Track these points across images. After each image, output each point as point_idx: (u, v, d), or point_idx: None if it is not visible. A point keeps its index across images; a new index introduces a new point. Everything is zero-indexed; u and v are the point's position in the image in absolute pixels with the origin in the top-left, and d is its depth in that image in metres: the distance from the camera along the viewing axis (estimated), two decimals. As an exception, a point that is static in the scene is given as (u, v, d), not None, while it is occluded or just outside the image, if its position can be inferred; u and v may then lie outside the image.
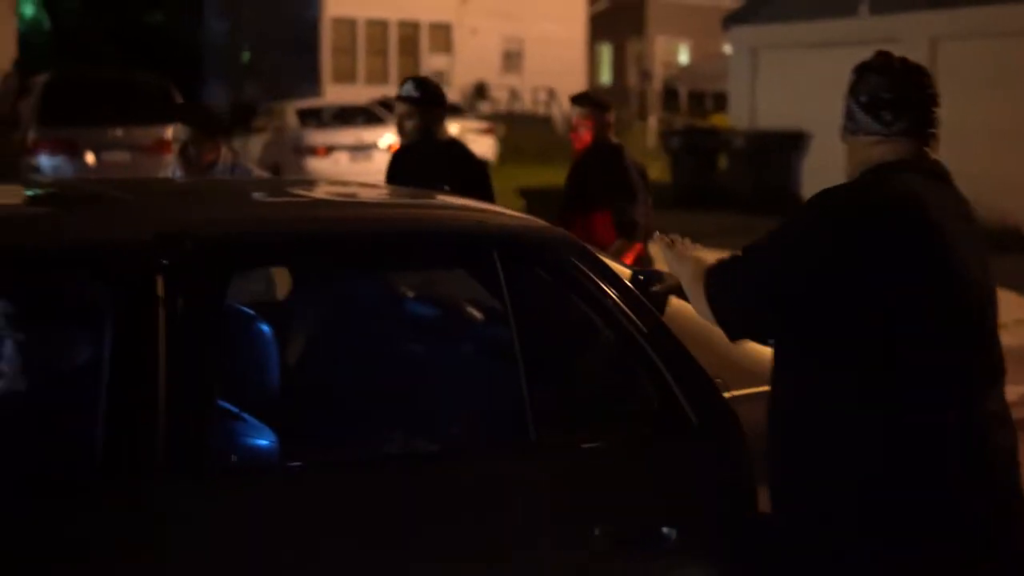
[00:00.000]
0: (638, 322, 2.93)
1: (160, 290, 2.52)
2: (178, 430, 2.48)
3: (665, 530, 2.77)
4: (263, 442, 2.94)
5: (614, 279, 3.00)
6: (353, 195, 3.78)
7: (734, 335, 2.67)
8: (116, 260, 2.58)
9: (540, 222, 3.22)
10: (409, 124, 5.27)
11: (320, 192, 3.94)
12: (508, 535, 2.69)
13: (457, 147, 5.48)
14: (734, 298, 2.61)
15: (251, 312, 3.20)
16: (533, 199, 17.49)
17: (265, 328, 3.09)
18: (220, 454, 2.66)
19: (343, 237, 2.99)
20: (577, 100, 5.82)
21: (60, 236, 2.69)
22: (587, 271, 2.95)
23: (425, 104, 5.25)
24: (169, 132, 14.60)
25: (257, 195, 3.55)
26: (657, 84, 34.36)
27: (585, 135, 5.69)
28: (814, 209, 2.57)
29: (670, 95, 34.23)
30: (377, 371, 3.64)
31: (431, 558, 2.62)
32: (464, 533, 2.67)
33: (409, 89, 5.30)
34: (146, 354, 2.49)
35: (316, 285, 3.88)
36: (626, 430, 2.96)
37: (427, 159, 5.18)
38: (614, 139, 5.80)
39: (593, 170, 5.63)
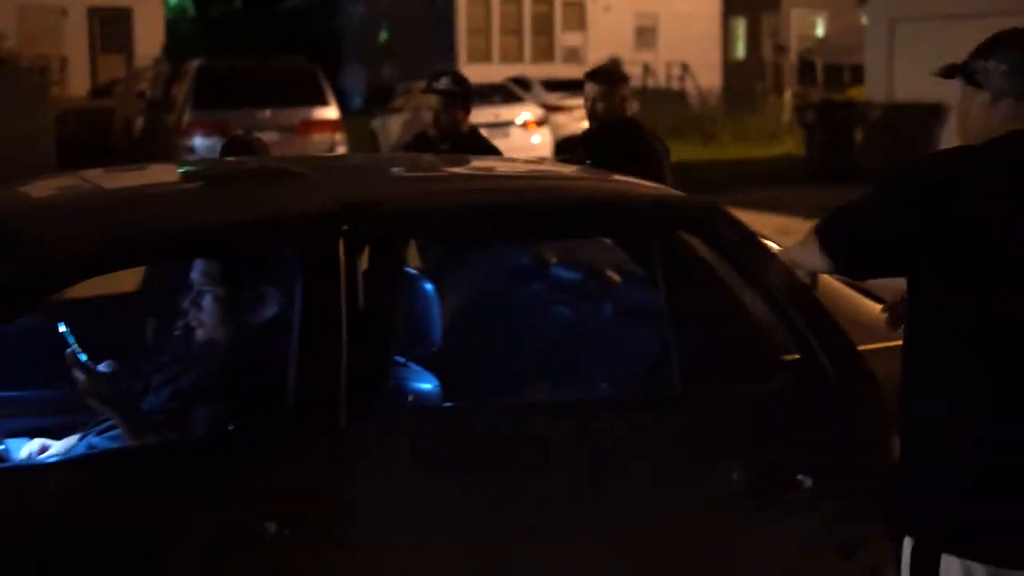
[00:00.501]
0: (778, 282, 3.11)
1: (342, 253, 2.87)
2: (360, 375, 2.83)
3: (800, 477, 3.00)
4: (427, 387, 3.28)
5: (754, 242, 3.22)
6: (502, 169, 4.09)
7: (849, 268, 2.69)
8: (305, 227, 2.94)
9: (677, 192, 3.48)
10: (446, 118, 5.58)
11: (471, 167, 4.26)
12: (649, 480, 2.96)
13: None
14: (851, 229, 2.59)
15: (417, 273, 3.54)
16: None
17: (429, 287, 3.42)
18: (397, 396, 2.99)
19: (498, 208, 3.31)
20: (591, 76, 5.69)
21: (257, 208, 3.07)
22: (728, 235, 3.17)
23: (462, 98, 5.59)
24: (314, 113, 15.23)
25: (420, 170, 3.89)
26: (792, 57, 33.98)
27: (601, 109, 5.54)
28: (943, 165, 2.52)
29: (805, 68, 33.82)
30: (527, 330, 3.94)
31: (574, 493, 2.90)
32: (604, 476, 2.93)
33: (448, 84, 5.62)
34: (331, 308, 2.83)
35: (472, 252, 4.19)
36: (768, 384, 3.17)
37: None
38: (630, 112, 5.69)
39: (610, 145, 5.37)
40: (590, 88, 5.56)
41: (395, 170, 3.88)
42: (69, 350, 3.18)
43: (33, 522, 2.57)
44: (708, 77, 31.39)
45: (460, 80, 5.71)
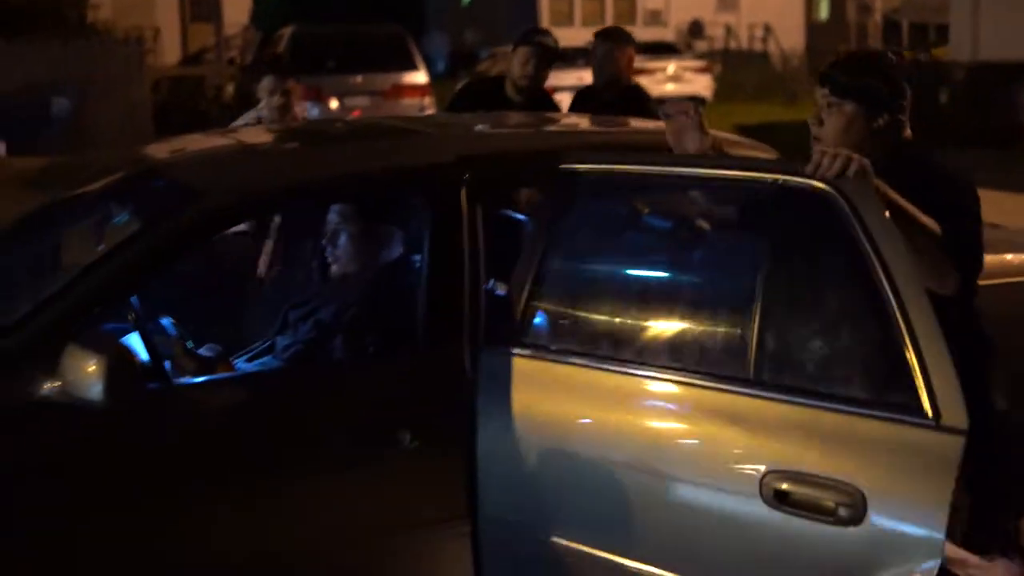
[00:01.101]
0: (889, 279, 2.70)
1: (463, 200, 3.24)
2: (479, 308, 3.19)
3: None
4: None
5: (884, 228, 2.78)
6: (598, 126, 4.39)
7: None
8: (430, 177, 3.31)
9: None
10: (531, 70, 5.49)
11: (568, 124, 4.55)
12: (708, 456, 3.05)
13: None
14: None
15: (523, 218, 3.90)
16: (751, 136, 17.75)
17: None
18: (512, 329, 3.33)
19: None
20: (598, 35, 5.84)
21: (389, 159, 3.46)
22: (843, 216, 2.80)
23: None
24: (404, 78, 15.61)
25: (527, 127, 4.23)
26: (877, 17, 33.69)
27: (607, 69, 5.69)
28: None
29: (890, 28, 33.52)
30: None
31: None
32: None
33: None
34: (454, 248, 3.20)
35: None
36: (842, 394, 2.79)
37: (610, 103, 5.45)
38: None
39: (611, 105, 5.40)
40: (597, 46, 5.76)
41: (502, 126, 4.23)
42: (173, 337, 3.57)
43: (212, 429, 2.98)
44: (791, 38, 31.27)
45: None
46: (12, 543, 2.70)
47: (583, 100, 5.83)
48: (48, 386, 2.75)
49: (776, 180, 2.93)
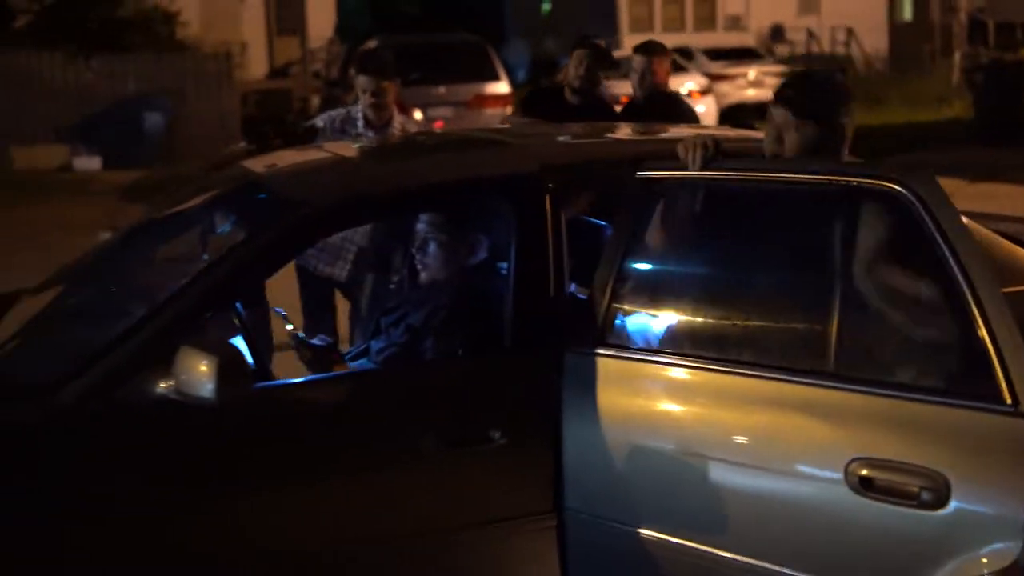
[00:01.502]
0: (966, 278, 2.82)
1: (547, 207, 3.39)
2: (563, 311, 3.34)
3: None
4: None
5: (957, 225, 2.91)
6: (676, 133, 4.47)
7: None
8: (516, 186, 3.47)
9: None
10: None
11: (640, 132, 4.61)
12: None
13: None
14: None
15: (603, 223, 4.04)
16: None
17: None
18: (595, 330, 3.47)
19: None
20: (638, 49, 6.06)
21: (477, 169, 3.63)
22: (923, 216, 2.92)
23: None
24: (487, 88, 15.80)
25: (606, 135, 4.39)
26: (962, 17, 33.24)
27: (651, 80, 5.92)
28: None
29: (976, 28, 33.05)
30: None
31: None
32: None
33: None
34: (539, 254, 3.36)
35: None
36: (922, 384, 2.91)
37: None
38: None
39: (656, 115, 5.53)
40: (636, 61, 6.00)
41: (583, 136, 4.37)
42: (288, 328, 3.85)
43: (313, 425, 3.18)
44: (874, 41, 31.02)
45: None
46: (129, 522, 2.93)
47: (628, 112, 6.14)
48: (163, 385, 2.96)
49: (851, 182, 3.07)
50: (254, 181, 3.85)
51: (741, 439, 3.08)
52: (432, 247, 3.80)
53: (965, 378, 2.85)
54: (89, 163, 18.65)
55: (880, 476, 2.84)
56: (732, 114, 21.00)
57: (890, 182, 2.96)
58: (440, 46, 17.03)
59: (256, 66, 29.46)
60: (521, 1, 38.46)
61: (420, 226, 3.85)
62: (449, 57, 16.19)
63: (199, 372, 2.87)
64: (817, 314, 3.09)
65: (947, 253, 2.84)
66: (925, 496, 2.78)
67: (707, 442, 3.12)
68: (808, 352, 3.09)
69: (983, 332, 2.77)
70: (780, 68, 23.69)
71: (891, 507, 2.83)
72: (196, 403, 2.90)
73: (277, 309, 4.10)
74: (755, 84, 22.44)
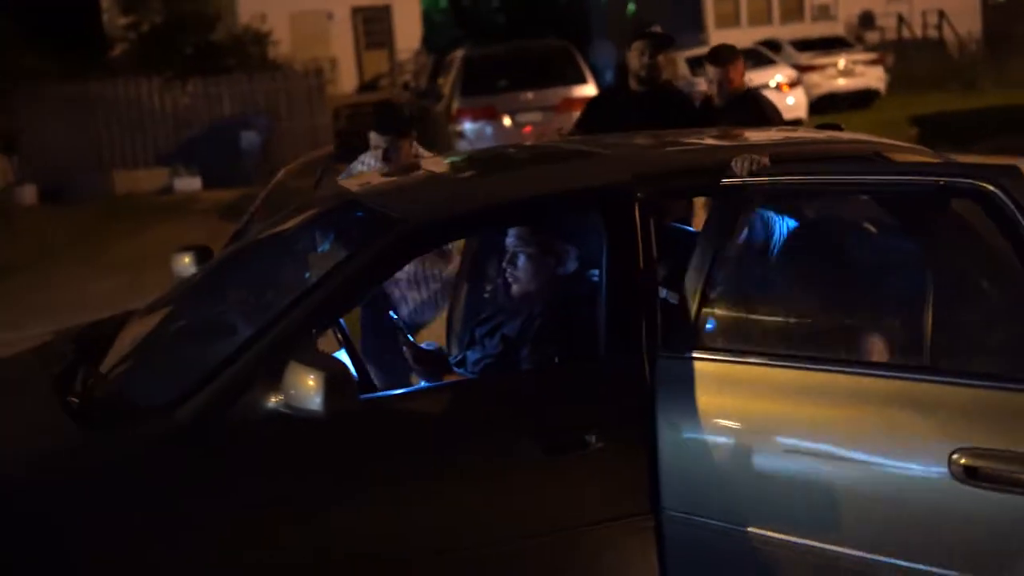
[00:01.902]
0: None
1: (637, 216, 3.45)
2: (655, 316, 3.40)
3: None
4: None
5: None
6: (766, 138, 4.45)
7: None
8: (608, 195, 3.54)
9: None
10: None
11: (720, 140, 4.53)
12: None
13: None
14: None
15: (692, 230, 4.08)
16: (927, 126, 17.40)
17: None
18: (688, 334, 3.50)
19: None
20: (709, 59, 6.14)
21: (569, 182, 3.72)
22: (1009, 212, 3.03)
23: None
24: (574, 91, 15.87)
25: (694, 144, 4.38)
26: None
27: (728, 88, 6.00)
28: None
29: (1074, 5, 32.22)
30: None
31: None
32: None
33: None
34: (629, 262, 3.42)
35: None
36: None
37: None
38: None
39: (740, 118, 5.61)
40: (710, 71, 6.09)
41: (669, 145, 4.38)
42: (401, 334, 4.01)
43: (416, 434, 3.28)
44: (967, 23, 30.42)
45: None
46: (248, 534, 3.06)
47: (707, 111, 6.14)
48: (273, 399, 3.09)
49: (940, 181, 3.12)
50: (352, 200, 3.96)
51: (839, 434, 3.11)
52: (522, 260, 3.88)
53: None
54: (189, 184, 19.11)
55: (984, 465, 2.88)
56: (823, 105, 20.79)
57: (983, 181, 3.01)
58: (526, 52, 17.15)
59: (346, 81, 29.87)
60: (606, 3, 38.41)
61: (509, 240, 3.93)
62: (535, 62, 16.29)
63: (307, 387, 2.98)
64: (912, 311, 3.14)
65: None
66: None
67: (804, 438, 3.16)
68: (904, 348, 3.15)
69: None
70: (871, 56, 23.36)
71: (997, 494, 2.87)
72: (306, 416, 3.02)
73: (391, 314, 4.22)
74: (845, 73, 22.17)
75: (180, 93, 20.35)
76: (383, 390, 3.76)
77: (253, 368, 3.14)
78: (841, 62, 22.35)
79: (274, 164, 19.35)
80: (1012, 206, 2.95)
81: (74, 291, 11.18)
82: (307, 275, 3.80)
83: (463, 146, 15.51)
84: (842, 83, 22.03)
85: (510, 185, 3.88)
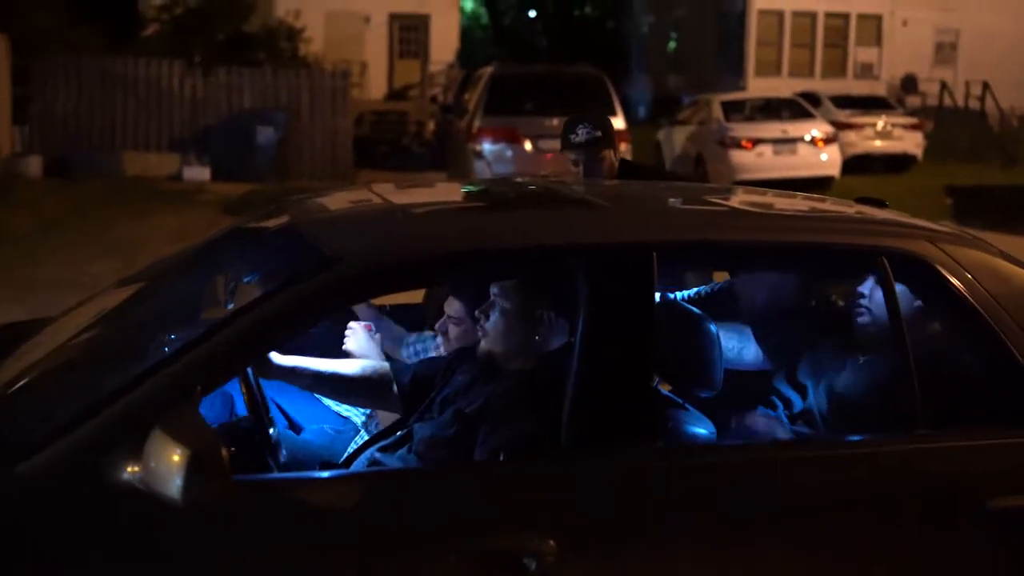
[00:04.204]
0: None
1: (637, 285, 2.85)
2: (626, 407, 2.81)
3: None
4: (702, 431, 3.20)
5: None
6: (778, 205, 3.84)
7: None
8: (594, 258, 2.91)
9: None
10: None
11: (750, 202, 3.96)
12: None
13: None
14: None
15: (701, 314, 3.44)
16: (961, 197, 16.85)
17: (712, 328, 3.35)
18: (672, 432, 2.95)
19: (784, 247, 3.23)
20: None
21: (554, 234, 3.05)
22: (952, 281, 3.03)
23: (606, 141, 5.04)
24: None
25: (721, 202, 3.71)
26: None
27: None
28: None
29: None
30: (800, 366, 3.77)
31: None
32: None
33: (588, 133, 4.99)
34: (617, 337, 2.83)
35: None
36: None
37: None
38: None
39: None
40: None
41: (691, 203, 3.73)
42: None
43: (319, 526, 2.61)
44: (1012, 96, 29.84)
45: (601, 123, 5.10)
46: None
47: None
48: (130, 470, 2.47)
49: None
50: (287, 226, 3.30)
51: None
52: (494, 315, 3.22)
53: None
54: (199, 173, 18.65)
55: None
56: (857, 165, 20.23)
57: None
58: (557, 76, 16.62)
59: (375, 87, 29.45)
60: (648, 38, 38.03)
61: (492, 287, 3.28)
62: (566, 88, 15.70)
63: (168, 464, 2.36)
64: None
65: None
66: None
67: None
68: None
69: None
70: (910, 120, 22.79)
71: None
72: (162, 499, 2.39)
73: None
74: (883, 135, 21.57)
75: (201, 80, 19.89)
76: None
77: (114, 427, 2.51)
78: (880, 123, 21.76)
79: (289, 163, 18.99)
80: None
81: (64, 269, 10.72)
82: (203, 315, 3.21)
83: (480, 167, 14.99)
84: (879, 145, 21.44)
85: (478, 230, 3.16)
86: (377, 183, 4.04)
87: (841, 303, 3.84)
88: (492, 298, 3.21)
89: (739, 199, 3.87)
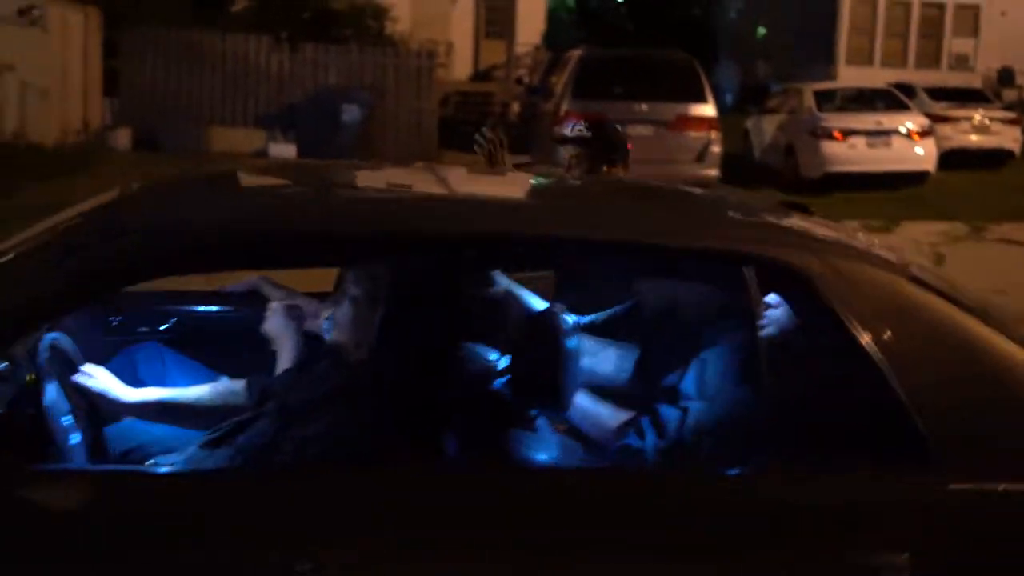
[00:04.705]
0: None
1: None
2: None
3: None
4: (543, 456, 3.10)
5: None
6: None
7: None
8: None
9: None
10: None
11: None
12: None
13: None
14: None
15: (567, 327, 3.29)
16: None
17: (572, 344, 3.21)
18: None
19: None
20: None
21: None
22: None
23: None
24: (691, 110, 15.04)
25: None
26: None
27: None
28: None
29: None
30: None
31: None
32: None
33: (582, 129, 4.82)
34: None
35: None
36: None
37: None
38: None
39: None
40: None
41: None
42: None
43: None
44: (1114, 92, 29.00)
45: (598, 126, 4.85)
46: None
47: None
48: None
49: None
50: (120, 198, 3.11)
51: None
52: (345, 303, 3.09)
53: None
54: (285, 150, 18.67)
55: None
56: (953, 159, 19.68)
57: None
58: (647, 60, 16.32)
59: (460, 68, 29.35)
60: (736, 23, 37.50)
61: (348, 274, 3.13)
62: (655, 73, 15.43)
63: None
64: None
65: None
66: None
67: None
68: None
69: None
70: (1009, 115, 22.08)
71: None
72: None
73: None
74: (980, 129, 20.93)
75: (288, 56, 19.91)
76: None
77: None
78: (977, 117, 21.12)
79: (372, 142, 18.93)
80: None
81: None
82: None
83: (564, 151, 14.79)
84: (975, 139, 20.81)
85: (296, 206, 2.96)
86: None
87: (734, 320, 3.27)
88: (345, 284, 3.08)
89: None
